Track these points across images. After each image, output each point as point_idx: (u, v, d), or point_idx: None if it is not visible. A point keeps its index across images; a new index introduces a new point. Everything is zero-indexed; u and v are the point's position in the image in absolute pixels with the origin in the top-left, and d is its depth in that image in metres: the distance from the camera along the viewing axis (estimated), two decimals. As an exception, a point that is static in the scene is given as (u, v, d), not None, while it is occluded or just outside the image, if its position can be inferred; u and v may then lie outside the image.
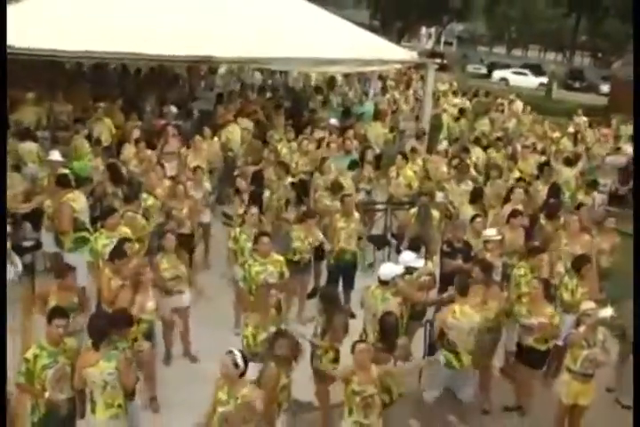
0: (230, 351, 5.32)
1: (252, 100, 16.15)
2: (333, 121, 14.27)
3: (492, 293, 7.38)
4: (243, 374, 5.31)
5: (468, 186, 10.89)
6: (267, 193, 9.89)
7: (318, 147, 12.42)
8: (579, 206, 10.31)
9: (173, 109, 13.99)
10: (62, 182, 8.75)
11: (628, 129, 18.82)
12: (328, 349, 6.47)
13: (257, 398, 5.25)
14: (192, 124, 13.92)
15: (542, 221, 9.88)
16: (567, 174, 12.74)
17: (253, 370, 6.21)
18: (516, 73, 44.64)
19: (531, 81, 42.06)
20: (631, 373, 7.59)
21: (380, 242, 10.67)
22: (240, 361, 5.25)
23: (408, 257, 7.66)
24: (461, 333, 6.70)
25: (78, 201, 8.58)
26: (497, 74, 44.97)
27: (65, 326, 5.62)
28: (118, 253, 7.15)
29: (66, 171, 9.43)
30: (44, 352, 5.53)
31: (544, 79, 41.05)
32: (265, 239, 7.71)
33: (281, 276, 7.71)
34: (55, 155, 9.79)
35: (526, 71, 44.87)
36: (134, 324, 6.30)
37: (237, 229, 8.50)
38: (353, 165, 11.34)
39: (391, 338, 6.33)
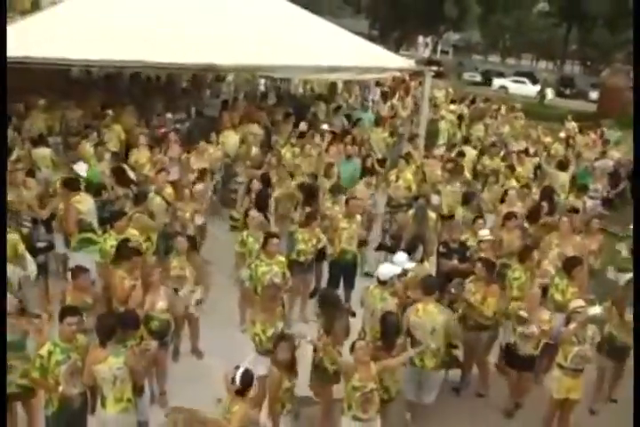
0: (237, 367, 5.27)
1: (257, 106, 16.17)
2: (326, 127, 14.29)
3: (491, 291, 7.41)
4: (240, 392, 5.20)
5: (455, 187, 10.98)
6: (274, 195, 9.90)
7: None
8: (577, 211, 10.29)
9: (170, 116, 14.02)
10: (69, 185, 8.75)
11: (615, 134, 18.85)
12: (329, 350, 6.39)
13: (242, 417, 5.13)
14: (197, 129, 13.92)
15: (525, 224, 9.87)
16: (563, 178, 12.81)
17: (263, 366, 6.25)
18: (515, 81, 44.61)
19: (529, 89, 41.84)
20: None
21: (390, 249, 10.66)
22: (238, 379, 5.17)
23: (401, 258, 7.66)
24: (424, 332, 6.63)
25: (84, 203, 8.57)
26: (497, 82, 44.92)
27: (77, 323, 5.64)
28: (121, 253, 7.19)
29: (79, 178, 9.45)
30: (58, 349, 5.56)
31: (546, 88, 40.91)
32: (274, 240, 7.75)
33: (283, 276, 7.76)
34: (81, 168, 9.80)
35: (525, 80, 44.80)
36: (141, 325, 6.29)
37: (245, 233, 8.49)
38: (364, 172, 11.36)
39: (391, 337, 6.31)
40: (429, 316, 6.67)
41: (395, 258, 7.74)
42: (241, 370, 5.21)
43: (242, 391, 5.19)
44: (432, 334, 6.63)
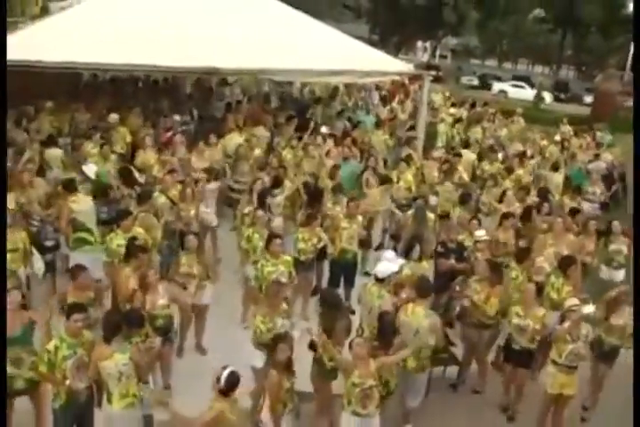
0: (224, 367, 5.22)
1: (263, 109, 16.17)
2: (325, 129, 14.29)
3: (495, 291, 7.42)
4: (223, 392, 5.14)
5: (447, 187, 11.05)
6: (280, 197, 9.91)
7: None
8: (577, 212, 10.27)
9: (177, 118, 14.02)
10: (66, 187, 8.75)
11: (607, 137, 18.86)
12: (328, 348, 6.31)
13: (216, 416, 5.08)
14: (201, 132, 13.91)
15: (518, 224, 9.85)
16: (557, 179, 12.83)
17: (260, 359, 6.22)
18: (514, 86, 44.58)
19: (528, 93, 41.69)
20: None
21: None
22: (222, 379, 5.11)
23: (389, 255, 7.62)
24: (408, 332, 6.55)
25: (80, 203, 8.54)
26: (496, 86, 44.86)
27: (83, 319, 5.66)
28: (131, 251, 7.20)
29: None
30: (64, 344, 5.58)
31: (544, 92, 40.84)
32: (277, 241, 7.75)
33: (290, 275, 7.74)
34: (90, 169, 9.79)
35: (524, 84, 44.73)
36: (145, 323, 6.27)
37: (250, 230, 8.49)
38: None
39: (388, 336, 6.27)
40: (415, 317, 6.61)
41: (383, 255, 7.72)
42: (227, 371, 5.15)
43: (225, 392, 5.14)
44: (415, 336, 6.53)
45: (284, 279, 7.50)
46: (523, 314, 7.02)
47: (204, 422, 5.03)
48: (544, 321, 7.01)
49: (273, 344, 5.84)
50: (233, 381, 5.15)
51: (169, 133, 12.69)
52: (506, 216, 9.40)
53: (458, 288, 8.11)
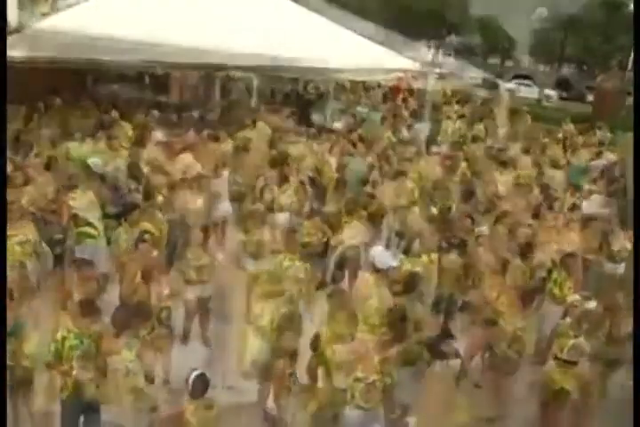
0: (193, 369, 5.17)
1: (267, 105, 16.17)
2: (337, 125, 14.28)
3: (507, 289, 7.36)
4: (192, 394, 5.10)
5: (447, 184, 11.01)
6: (285, 193, 9.87)
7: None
8: (578, 209, 10.23)
9: (186, 114, 14.00)
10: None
11: (606, 135, 18.79)
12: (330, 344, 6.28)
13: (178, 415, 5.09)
14: (209, 126, 13.89)
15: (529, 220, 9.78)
16: (558, 177, 12.79)
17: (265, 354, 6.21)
18: (519, 84, 44.38)
19: (534, 92, 41.38)
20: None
21: None
22: (190, 382, 5.07)
23: (378, 251, 7.58)
24: None
25: (79, 199, 8.50)
26: (502, 84, 44.59)
27: (96, 320, 5.65)
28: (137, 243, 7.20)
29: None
30: (72, 334, 5.55)
31: (548, 90, 40.69)
32: (293, 236, 7.76)
33: (305, 270, 7.68)
34: (96, 162, 9.80)
35: (530, 82, 44.50)
36: (152, 316, 6.28)
37: (256, 224, 8.46)
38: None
39: (398, 330, 6.18)
40: None
41: (373, 249, 7.66)
42: (194, 374, 5.10)
43: (192, 394, 5.09)
44: None
45: (301, 275, 7.49)
46: (505, 318, 6.89)
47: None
48: (523, 334, 6.87)
49: (279, 333, 5.82)
50: (200, 384, 5.09)
51: (181, 130, 12.66)
52: (504, 215, 9.33)
53: (468, 283, 8.08)
